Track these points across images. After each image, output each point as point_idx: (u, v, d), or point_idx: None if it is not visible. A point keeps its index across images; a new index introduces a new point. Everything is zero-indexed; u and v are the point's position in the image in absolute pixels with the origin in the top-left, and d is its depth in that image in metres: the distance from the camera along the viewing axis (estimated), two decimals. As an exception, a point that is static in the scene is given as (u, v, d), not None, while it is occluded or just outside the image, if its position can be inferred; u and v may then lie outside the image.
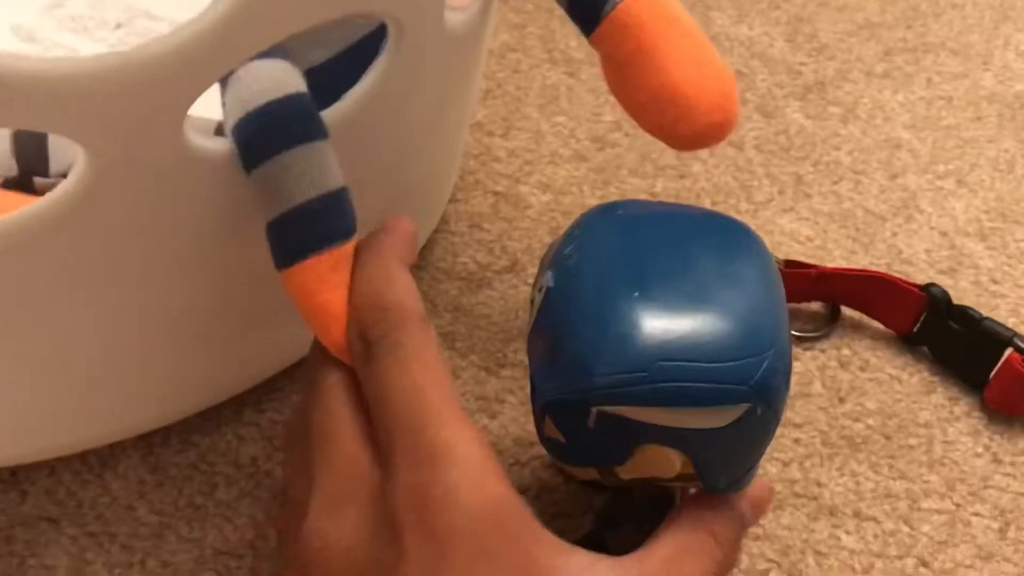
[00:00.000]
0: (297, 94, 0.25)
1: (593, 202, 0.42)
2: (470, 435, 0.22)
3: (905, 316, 0.37)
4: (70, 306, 0.26)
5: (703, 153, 0.45)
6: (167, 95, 0.22)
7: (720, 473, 0.25)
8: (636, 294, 0.24)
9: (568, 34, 0.51)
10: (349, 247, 0.25)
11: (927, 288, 0.37)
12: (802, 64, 0.51)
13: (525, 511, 0.22)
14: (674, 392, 0.23)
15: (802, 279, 0.37)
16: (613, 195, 0.43)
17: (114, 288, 0.26)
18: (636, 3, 0.30)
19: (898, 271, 0.41)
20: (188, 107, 0.23)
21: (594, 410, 0.23)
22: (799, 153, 0.46)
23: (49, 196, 0.23)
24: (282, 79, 0.25)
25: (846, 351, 0.38)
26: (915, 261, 0.41)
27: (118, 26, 0.48)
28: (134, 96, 0.21)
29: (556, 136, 0.45)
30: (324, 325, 0.24)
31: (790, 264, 0.38)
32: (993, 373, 0.35)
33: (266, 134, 0.24)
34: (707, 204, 0.43)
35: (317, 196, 0.24)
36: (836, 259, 0.41)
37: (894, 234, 0.42)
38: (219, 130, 0.34)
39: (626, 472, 0.25)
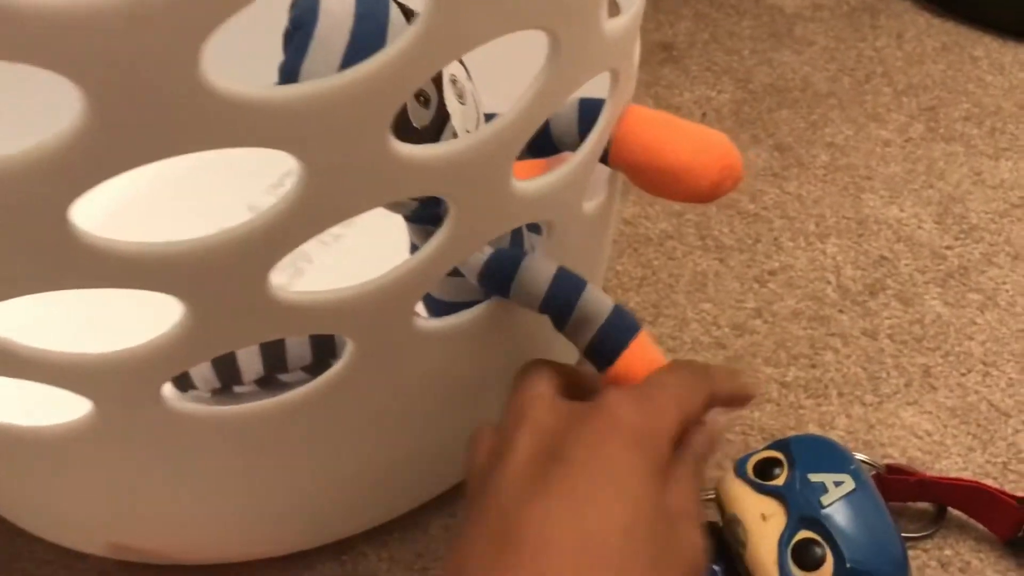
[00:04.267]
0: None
1: (726, 390, 0.47)
2: (675, 413, 0.31)
3: (1006, 524, 0.40)
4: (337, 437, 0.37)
5: (837, 342, 0.49)
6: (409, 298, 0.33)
7: None
8: None
9: (722, 221, 0.56)
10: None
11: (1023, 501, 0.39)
12: (947, 248, 0.54)
13: (665, 460, 0.31)
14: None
15: (904, 484, 0.41)
16: (746, 383, 0.48)
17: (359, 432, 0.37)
18: (630, 121, 0.38)
19: (1014, 471, 0.43)
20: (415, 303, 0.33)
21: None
22: (931, 343, 0.49)
23: (326, 376, 0.34)
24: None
25: (948, 551, 0.41)
26: (1034, 461, 0.43)
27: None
28: (380, 304, 0.32)
29: (700, 323, 0.51)
30: None
31: (891, 470, 0.41)
32: None
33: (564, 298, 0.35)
34: (833, 396, 0.47)
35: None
36: (952, 456, 0.44)
37: (1016, 431, 0.45)
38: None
39: None
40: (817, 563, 0.34)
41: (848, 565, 0.33)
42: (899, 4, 0.71)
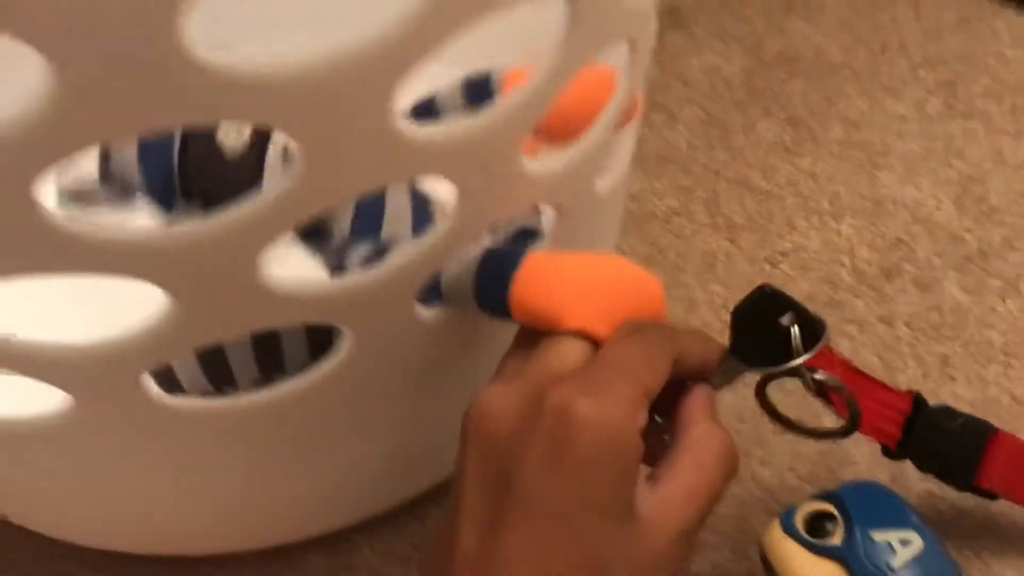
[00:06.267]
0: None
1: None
2: (635, 392, 0.27)
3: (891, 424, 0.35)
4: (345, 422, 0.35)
5: (852, 329, 0.47)
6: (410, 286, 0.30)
7: None
8: None
9: (732, 198, 0.54)
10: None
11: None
12: (967, 230, 0.52)
13: (638, 453, 0.27)
14: None
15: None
16: (757, 371, 0.46)
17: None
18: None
19: (1037, 468, 0.41)
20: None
21: None
22: (949, 332, 0.47)
23: (321, 369, 0.31)
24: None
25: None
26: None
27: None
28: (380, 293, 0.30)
29: (709, 306, 0.49)
30: None
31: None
32: (984, 459, 0.35)
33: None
34: (848, 385, 0.45)
35: None
36: (973, 451, 0.42)
37: (1039, 427, 0.43)
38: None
39: None
40: None
41: None
42: (916, -28, 0.68)
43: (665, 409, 0.30)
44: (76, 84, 0.21)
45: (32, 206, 0.23)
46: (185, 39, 0.20)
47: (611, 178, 0.39)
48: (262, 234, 0.26)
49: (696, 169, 0.56)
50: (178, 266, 0.26)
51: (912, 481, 0.39)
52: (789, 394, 0.32)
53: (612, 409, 0.26)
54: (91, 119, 0.21)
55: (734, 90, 0.61)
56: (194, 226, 0.25)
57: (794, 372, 0.30)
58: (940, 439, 0.35)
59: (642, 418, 0.27)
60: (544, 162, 0.32)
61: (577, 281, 0.30)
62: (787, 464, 0.43)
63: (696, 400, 0.30)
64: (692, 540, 0.28)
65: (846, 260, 0.50)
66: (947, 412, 0.36)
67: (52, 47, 0.20)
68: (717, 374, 0.30)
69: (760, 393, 0.32)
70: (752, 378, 0.31)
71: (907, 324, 0.47)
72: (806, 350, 0.30)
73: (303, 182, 0.25)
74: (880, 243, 0.51)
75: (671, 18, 0.66)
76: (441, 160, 0.27)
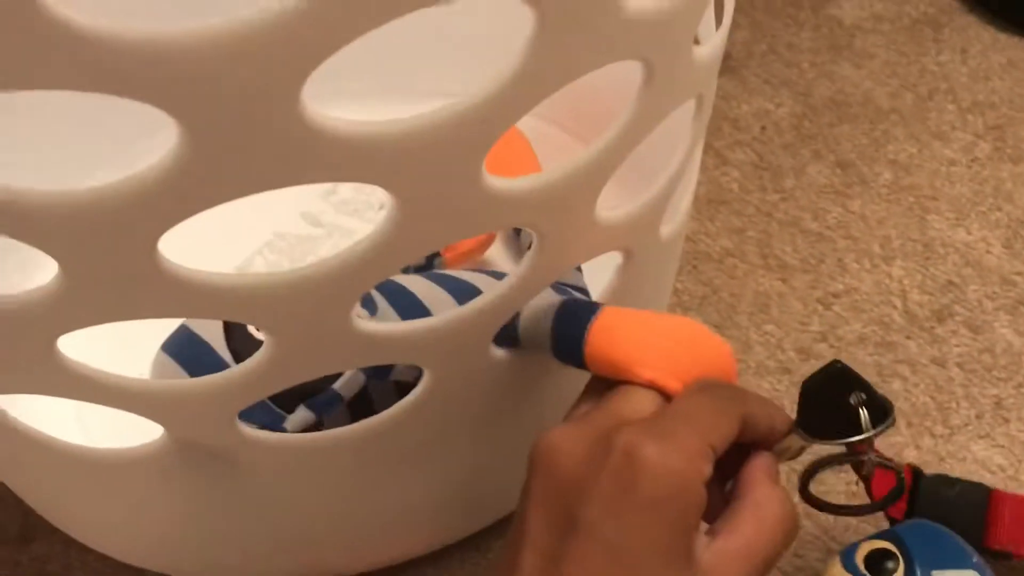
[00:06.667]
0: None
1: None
2: (701, 443, 0.28)
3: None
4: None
5: (905, 370, 0.48)
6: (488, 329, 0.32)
7: None
8: None
9: (784, 239, 0.55)
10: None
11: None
12: (1018, 273, 0.52)
13: (701, 501, 0.28)
14: None
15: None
16: (811, 411, 0.47)
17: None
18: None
19: (1092, 510, 0.42)
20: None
21: None
22: (1002, 374, 0.48)
23: (400, 405, 0.33)
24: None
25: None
26: (1112, 500, 0.42)
27: (381, 207, 0.58)
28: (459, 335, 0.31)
29: (764, 346, 0.50)
30: None
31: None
32: (988, 517, 0.37)
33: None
34: (903, 426, 0.46)
35: None
36: (1027, 493, 0.43)
37: (1093, 469, 0.43)
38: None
39: None
40: None
41: None
42: (962, 18, 0.69)
43: (729, 473, 0.31)
44: (203, 145, 0.22)
45: (156, 257, 0.25)
46: (307, 105, 0.22)
47: (674, 224, 0.40)
48: (356, 281, 0.28)
49: (748, 211, 0.57)
50: (279, 310, 0.27)
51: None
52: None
53: (677, 455, 0.27)
54: (216, 177, 0.23)
55: (784, 134, 0.62)
56: (294, 273, 0.27)
57: (854, 451, 0.32)
58: (942, 507, 0.38)
59: (707, 470, 0.28)
60: (616, 210, 0.33)
61: (652, 335, 0.31)
62: (842, 503, 0.44)
63: (759, 463, 0.30)
64: None
65: (897, 302, 0.51)
66: (944, 480, 0.39)
67: (183, 112, 0.22)
68: (781, 444, 0.31)
69: (804, 486, 0.33)
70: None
71: (959, 366, 0.48)
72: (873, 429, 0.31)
73: (399, 233, 0.26)
74: (931, 285, 0.52)
75: (722, 63, 0.67)
76: (524, 211, 0.29)
